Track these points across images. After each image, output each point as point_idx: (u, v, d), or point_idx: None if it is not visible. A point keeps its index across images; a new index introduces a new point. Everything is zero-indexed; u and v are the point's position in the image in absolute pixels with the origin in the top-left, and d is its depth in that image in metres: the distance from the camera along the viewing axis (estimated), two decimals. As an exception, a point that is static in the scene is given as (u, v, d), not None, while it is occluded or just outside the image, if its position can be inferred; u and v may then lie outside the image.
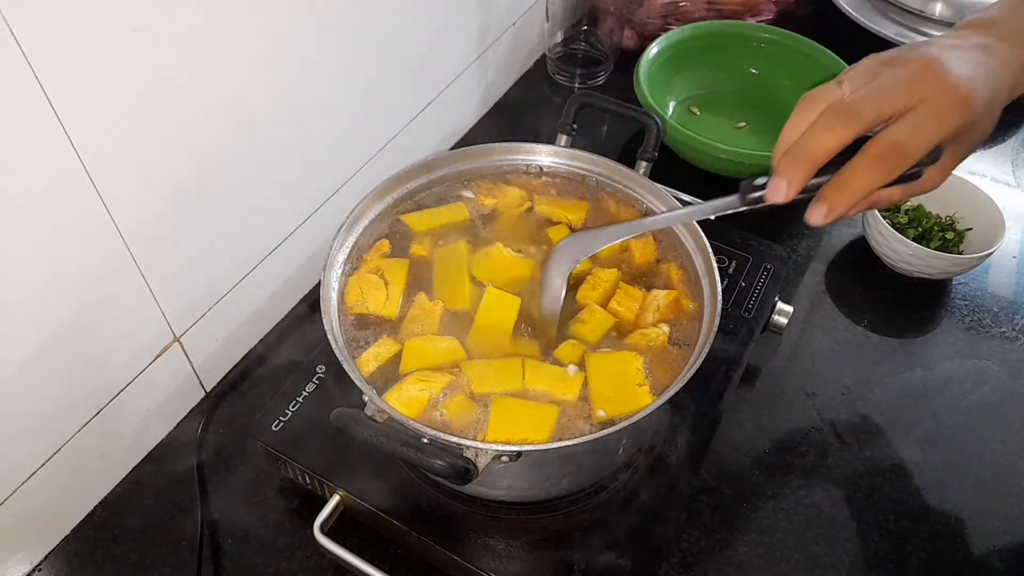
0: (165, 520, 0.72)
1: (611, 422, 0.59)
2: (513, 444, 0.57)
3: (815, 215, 0.48)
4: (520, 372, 0.62)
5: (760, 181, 0.50)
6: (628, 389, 0.61)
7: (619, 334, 0.66)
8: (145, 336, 0.71)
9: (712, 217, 0.58)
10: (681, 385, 0.57)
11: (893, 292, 0.92)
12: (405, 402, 0.60)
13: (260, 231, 0.79)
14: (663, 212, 0.71)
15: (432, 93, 0.98)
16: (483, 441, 0.58)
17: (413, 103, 0.96)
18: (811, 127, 0.47)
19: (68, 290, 0.61)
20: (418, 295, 0.68)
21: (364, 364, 0.63)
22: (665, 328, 0.65)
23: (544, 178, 0.77)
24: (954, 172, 0.93)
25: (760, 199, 0.50)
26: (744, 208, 0.52)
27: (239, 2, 0.64)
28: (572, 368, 0.62)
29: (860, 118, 0.46)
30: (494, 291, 0.67)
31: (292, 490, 0.73)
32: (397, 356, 0.64)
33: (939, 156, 0.52)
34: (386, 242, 0.71)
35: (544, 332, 0.66)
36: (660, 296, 0.67)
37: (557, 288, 0.65)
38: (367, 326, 0.66)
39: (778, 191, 0.48)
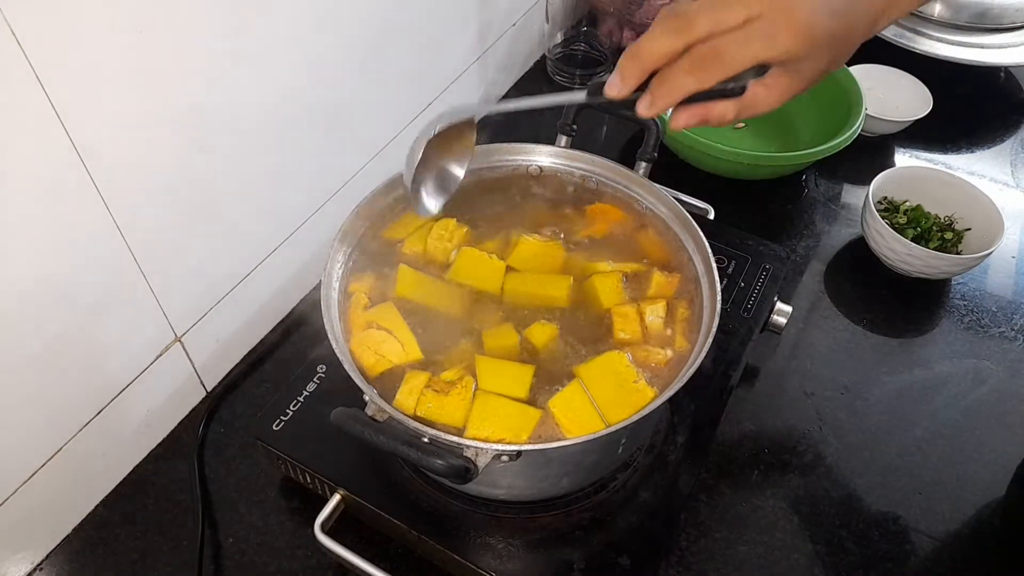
0: (166, 519, 0.72)
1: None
2: (491, 443, 0.57)
3: (640, 105, 0.53)
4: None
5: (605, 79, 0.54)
6: (627, 388, 0.61)
7: (600, 337, 0.65)
8: (146, 336, 0.71)
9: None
10: (681, 384, 0.57)
11: (892, 292, 0.92)
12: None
13: (261, 231, 0.80)
14: (653, 204, 0.73)
15: (432, 93, 0.98)
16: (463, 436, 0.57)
17: (413, 104, 0.96)
18: (650, 31, 0.50)
19: (69, 290, 0.62)
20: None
21: (403, 405, 0.59)
22: (669, 352, 0.64)
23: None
24: (953, 172, 0.95)
25: (603, 94, 0.54)
26: (589, 102, 0.56)
27: (239, 5, 0.64)
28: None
29: (693, 28, 0.48)
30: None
31: (292, 490, 0.73)
32: (429, 384, 0.61)
33: (763, 73, 0.52)
34: (363, 297, 0.67)
35: None
36: (657, 308, 0.66)
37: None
38: (398, 377, 0.62)
39: (613, 86, 0.52)
